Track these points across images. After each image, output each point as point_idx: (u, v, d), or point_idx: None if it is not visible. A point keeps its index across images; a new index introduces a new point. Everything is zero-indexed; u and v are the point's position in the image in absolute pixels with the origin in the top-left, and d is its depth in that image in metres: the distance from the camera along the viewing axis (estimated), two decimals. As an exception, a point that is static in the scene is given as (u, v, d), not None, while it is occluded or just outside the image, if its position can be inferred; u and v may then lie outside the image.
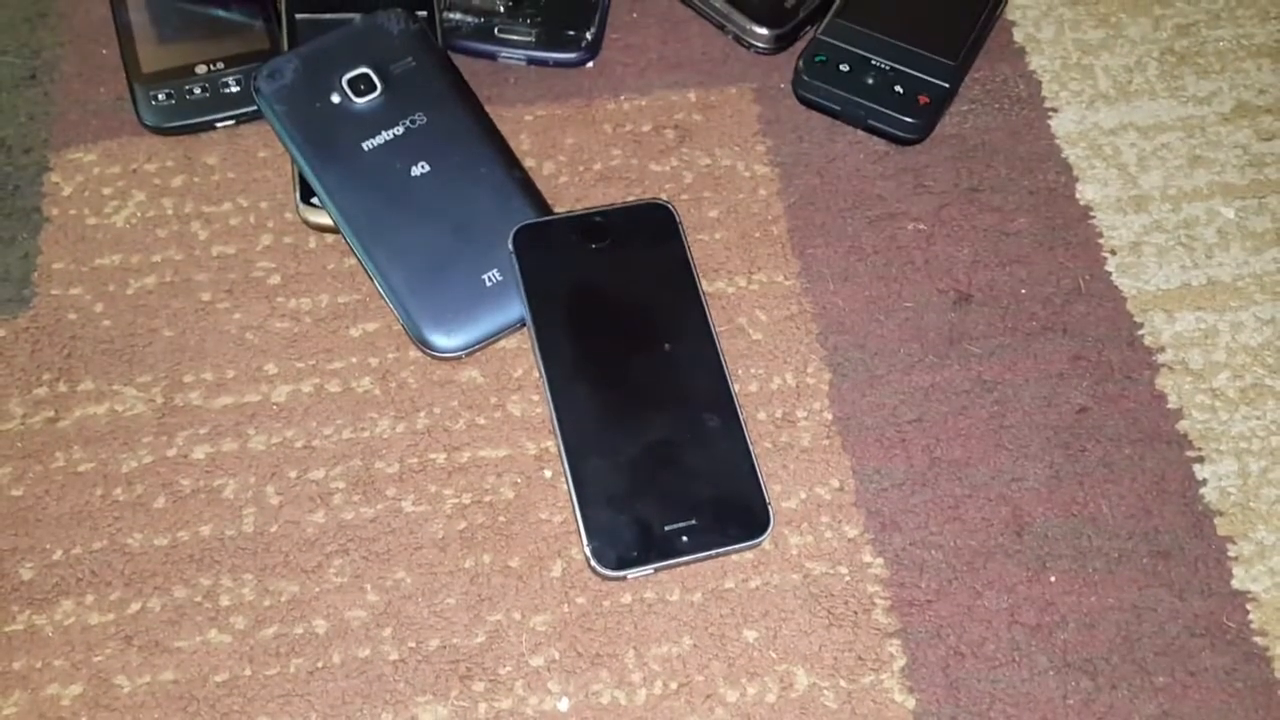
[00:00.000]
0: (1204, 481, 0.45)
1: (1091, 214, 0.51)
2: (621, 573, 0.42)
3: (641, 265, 0.47)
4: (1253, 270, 0.50)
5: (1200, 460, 0.46)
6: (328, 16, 0.52)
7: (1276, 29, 0.57)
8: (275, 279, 0.49)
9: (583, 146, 0.53)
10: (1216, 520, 0.45)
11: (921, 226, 0.51)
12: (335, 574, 0.43)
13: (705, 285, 0.49)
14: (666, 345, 0.46)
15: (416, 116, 0.49)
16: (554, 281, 0.47)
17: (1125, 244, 0.50)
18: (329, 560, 0.43)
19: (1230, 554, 0.44)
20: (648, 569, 0.42)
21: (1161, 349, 0.48)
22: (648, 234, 0.48)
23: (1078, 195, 0.52)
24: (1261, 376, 0.47)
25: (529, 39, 0.54)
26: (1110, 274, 0.50)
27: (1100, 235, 0.50)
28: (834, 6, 0.55)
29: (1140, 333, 0.48)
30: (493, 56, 0.55)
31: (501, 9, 0.55)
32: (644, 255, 0.48)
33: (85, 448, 0.45)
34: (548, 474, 0.45)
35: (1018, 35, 0.56)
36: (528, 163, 0.52)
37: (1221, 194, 0.52)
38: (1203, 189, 0.52)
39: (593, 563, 0.42)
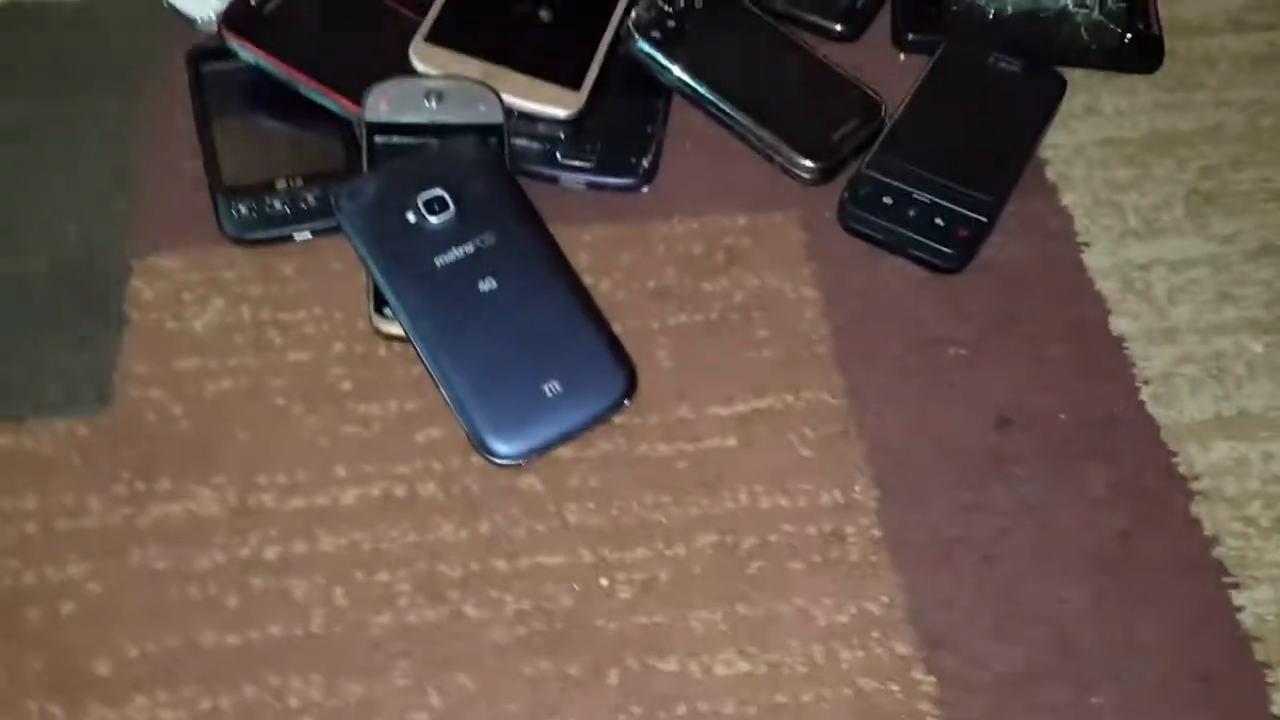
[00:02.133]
0: (1241, 608, 0.47)
1: (1125, 345, 0.53)
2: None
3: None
4: (1281, 403, 0.52)
5: (1236, 586, 0.47)
6: (405, 141, 0.55)
7: (1295, 173, 0.60)
8: (347, 385, 0.51)
9: (638, 265, 0.56)
10: (1254, 645, 0.46)
11: (962, 351, 0.53)
12: (400, 676, 0.44)
13: (755, 401, 0.51)
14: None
15: (486, 235, 0.52)
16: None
17: (1158, 374, 0.53)
18: (393, 662, 0.44)
19: (1269, 679, 0.45)
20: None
21: (1196, 477, 0.50)
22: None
23: (1111, 326, 0.54)
24: (1293, 506, 0.49)
25: (589, 165, 0.58)
26: (1145, 403, 0.52)
27: (1134, 365, 0.53)
28: (878, 142, 0.58)
29: (1175, 460, 0.50)
30: (555, 180, 0.58)
31: (564, 136, 0.58)
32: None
33: (161, 546, 0.47)
34: (604, 582, 0.47)
35: (1050, 173, 0.59)
36: (586, 279, 0.54)
37: (1249, 329, 0.54)
38: (1230, 323, 0.54)
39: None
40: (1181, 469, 0.50)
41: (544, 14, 0.61)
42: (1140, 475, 0.50)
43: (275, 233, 0.55)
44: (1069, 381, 0.52)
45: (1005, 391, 0.52)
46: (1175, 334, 0.54)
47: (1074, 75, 0.62)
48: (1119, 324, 0.54)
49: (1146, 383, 0.52)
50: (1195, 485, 0.50)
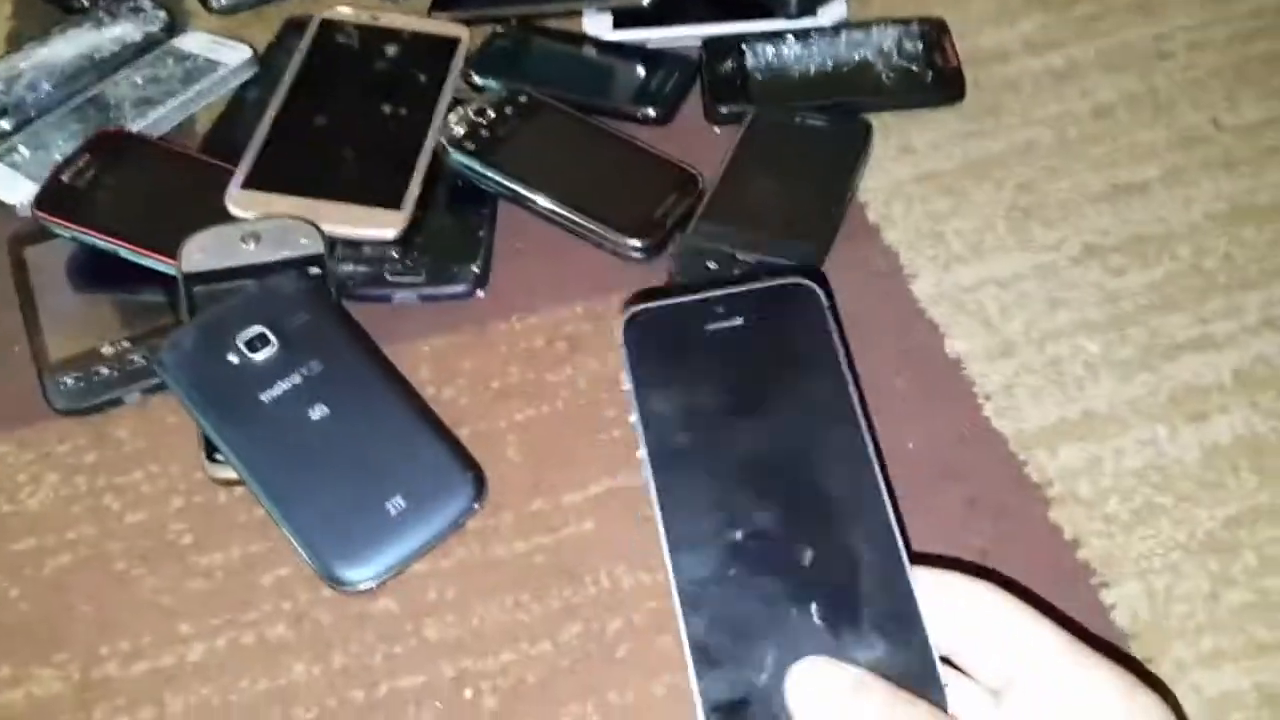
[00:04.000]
0: (1113, 606, 0.46)
1: (963, 366, 0.54)
2: None
3: (780, 362, 0.38)
4: (1124, 397, 0.52)
5: (1105, 586, 0.46)
6: (225, 286, 0.55)
7: (1109, 176, 0.61)
8: (188, 539, 0.50)
9: (480, 368, 0.56)
10: (1131, 644, 0.45)
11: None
12: (259, 831, 0.42)
13: (609, 482, 0.51)
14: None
15: (312, 364, 0.51)
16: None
17: (999, 389, 0.53)
18: (252, 817, 0.42)
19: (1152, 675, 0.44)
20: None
21: (1050, 483, 0.49)
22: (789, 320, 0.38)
23: (947, 350, 0.54)
24: (1150, 496, 0.49)
25: (419, 279, 0.58)
26: (989, 419, 0.52)
27: (974, 384, 0.53)
28: (699, 211, 0.59)
29: (1026, 470, 0.50)
30: (387, 299, 0.58)
31: (394, 254, 0.59)
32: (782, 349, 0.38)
33: (1, 736, 0.45)
34: (468, 694, 0.45)
35: (871, 215, 0.60)
36: (428, 390, 0.54)
37: (1083, 331, 0.55)
38: (1065, 328, 0.55)
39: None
40: (1034, 478, 0.50)
41: (353, 149, 0.62)
42: (994, 490, 0.49)
43: (106, 398, 0.54)
44: (914, 409, 0.52)
45: (856, 432, 0.52)
46: (1011, 347, 0.54)
47: (884, 119, 0.64)
48: (955, 346, 0.55)
49: (988, 398, 0.52)
50: (1049, 492, 0.49)
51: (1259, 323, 0.54)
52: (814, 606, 0.34)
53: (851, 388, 0.37)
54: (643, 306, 0.38)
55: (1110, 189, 0.61)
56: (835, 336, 0.38)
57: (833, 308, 0.38)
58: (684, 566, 0.35)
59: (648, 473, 0.36)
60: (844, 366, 0.37)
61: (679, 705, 0.45)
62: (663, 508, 0.35)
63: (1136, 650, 0.45)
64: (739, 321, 0.38)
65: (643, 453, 0.36)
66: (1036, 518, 0.49)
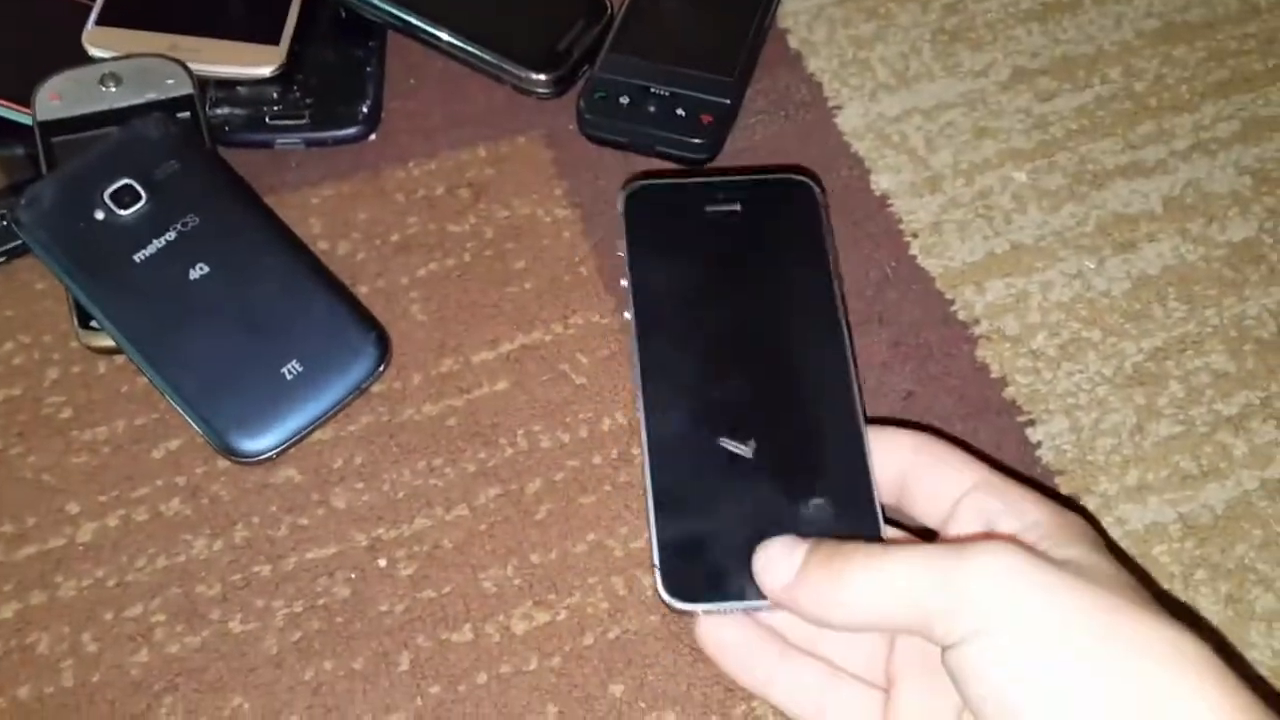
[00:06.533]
0: (1039, 444, 0.45)
1: (889, 202, 0.51)
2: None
3: (770, 249, 0.40)
4: (1053, 228, 0.51)
5: (1031, 424, 0.46)
6: (86, 135, 0.50)
7: (1039, -7, 0.58)
8: (67, 413, 0.46)
9: (376, 219, 0.52)
10: (1058, 480, 0.45)
11: (728, 242, 0.50)
12: (167, 713, 0.40)
13: (522, 338, 0.48)
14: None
15: (188, 219, 0.47)
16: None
17: (925, 225, 0.51)
18: (158, 700, 0.40)
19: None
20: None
21: (976, 321, 0.48)
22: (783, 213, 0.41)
23: (872, 186, 0.52)
24: (1077, 330, 0.48)
25: (303, 121, 0.53)
26: (915, 257, 0.50)
27: (900, 221, 0.51)
28: (607, 42, 0.54)
29: (953, 309, 0.48)
30: (269, 145, 0.53)
31: (273, 94, 0.54)
32: (775, 237, 0.40)
33: (-126, 632, 0.42)
34: (382, 563, 0.43)
35: (792, 41, 0.56)
36: (320, 245, 0.50)
37: (1011, 160, 0.53)
38: (992, 159, 0.53)
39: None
40: (960, 316, 0.48)
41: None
42: (919, 331, 0.48)
43: (-38, 264, 0.49)
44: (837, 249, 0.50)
45: (778, 274, 0.50)
46: (938, 181, 0.52)
47: (803, -64, 0.59)
48: (880, 182, 0.52)
49: (915, 236, 0.50)
50: (976, 330, 0.48)
51: (1189, 147, 0.53)
52: (774, 475, 0.35)
53: (837, 289, 0.39)
54: (647, 181, 0.41)
55: (1040, 7, 0.58)
56: (829, 239, 0.40)
57: (827, 209, 0.41)
58: (656, 423, 0.36)
59: (633, 333, 0.38)
60: (832, 267, 0.39)
61: (603, 562, 0.43)
62: (643, 368, 0.37)
63: (1063, 486, 0.44)
64: (737, 207, 0.40)
65: (630, 314, 0.38)
66: (963, 358, 0.47)
